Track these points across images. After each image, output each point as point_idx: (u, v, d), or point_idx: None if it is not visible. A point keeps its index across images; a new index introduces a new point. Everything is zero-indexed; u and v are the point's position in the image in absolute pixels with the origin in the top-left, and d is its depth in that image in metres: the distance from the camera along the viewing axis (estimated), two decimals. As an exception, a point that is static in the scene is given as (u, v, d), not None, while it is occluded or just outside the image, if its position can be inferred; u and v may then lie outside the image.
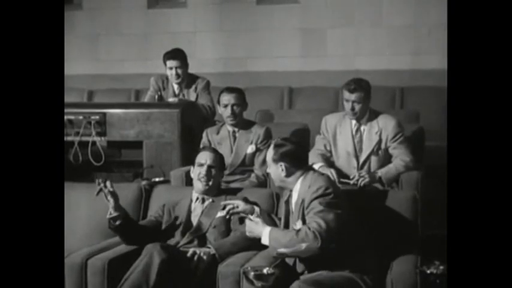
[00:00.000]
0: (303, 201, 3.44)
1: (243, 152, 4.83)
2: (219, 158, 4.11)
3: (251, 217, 3.58)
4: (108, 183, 3.78)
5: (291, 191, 3.60)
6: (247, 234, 3.55)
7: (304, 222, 3.42)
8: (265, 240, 3.41)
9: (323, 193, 3.39)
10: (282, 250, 3.33)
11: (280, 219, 3.75)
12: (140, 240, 3.76)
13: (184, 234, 3.86)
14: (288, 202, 3.61)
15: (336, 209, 3.37)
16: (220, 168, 4.11)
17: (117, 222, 3.79)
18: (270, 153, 3.60)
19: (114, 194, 3.78)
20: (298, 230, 3.32)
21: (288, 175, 3.54)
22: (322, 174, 3.63)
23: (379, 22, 7.59)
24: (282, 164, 3.53)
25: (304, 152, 3.68)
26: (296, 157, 3.57)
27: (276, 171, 3.57)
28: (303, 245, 3.28)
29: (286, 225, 3.59)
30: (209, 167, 4.00)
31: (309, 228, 3.29)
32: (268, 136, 4.85)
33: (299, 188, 3.52)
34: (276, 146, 3.59)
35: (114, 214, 3.78)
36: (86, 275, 3.69)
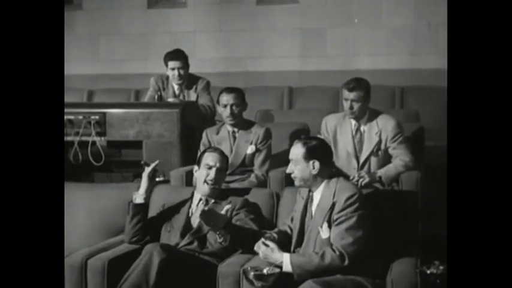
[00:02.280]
0: (333, 205, 3.41)
1: (242, 152, 4.82)
2: (226, 160, 4.09)
3: (266, 242, 3.50)
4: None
5: (309, 191, 3.57)
6: (261, 257, 3.49)
7: (330, 226, 3.41)
8: (287, 268, 3.35)
9: (354, 201, 3.38)
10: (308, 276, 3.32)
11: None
12: (143, 236, 3.76)
13: (184, 235, 3.85)
14: (307, 204, 3.57)
15: (365, 222, 3.38)
16: (225, 169, 4.11)
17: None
18: (300, 150, 3.52)
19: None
20: (323, 254, 3.31)
21: (319, 174, 3.50)
22: (347, 180, 3.62)
23: (378, 22, 7.59)
24: (315, 161, 3.49)
25: (331, 150, 3.68)
26: (327, 155, 3.57)
27: (306, 169, 3.50)
28: (330, 268, 3.30)
29: (302, 228, 3.56)
30: (218, 170, 3.98)
31: (334, 251, 3.30)
32: (267, 136, 4.84)
33: (322, 191, 3.50)
34: (307, 143, 3.53)
35: (140, 201, 3.92)
36: (86, 275, 3.69)
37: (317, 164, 3.48)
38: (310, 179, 3.51)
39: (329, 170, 3.56)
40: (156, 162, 4.06)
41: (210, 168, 3.97)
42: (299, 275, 3.32)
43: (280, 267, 3.34)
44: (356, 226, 3.35)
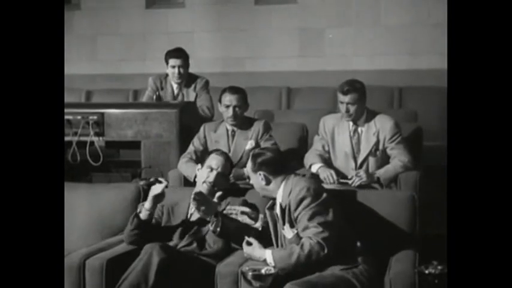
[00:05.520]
0: (287, 206, 3.46)
1: (241, 150, 4.80)
2: (229, 165, 4.11)
3: (249, 240, 3.57)
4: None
5: (274, 198, 3.61)
6: (245, 256, 3.56)
7: (291, 226, 3.45)
8: (270, 263, 3.40)
9: (305, 195, 3.41)
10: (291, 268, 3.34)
11: None
12: (142, 240, 3.74)
13: (183, 236, 3.85)
14: (272, 208, 3.61)
15: (324, 209, 3.41)
16: (228, 174, 4.13)
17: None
18: (249, 164, 3.64)
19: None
20: (302, 244, 3.33)
21: (268, 183, 3.57)
22: (303, 175, 3.65)
23: (377, 22, 7.59)
24: (261, 173, 3.57)
25: (282, 159, 3.72)
26: (274, 165, 3.60)
27: (257, 180, 3.60)
28: (312, 258, 3.32)
29: (275, 232, 3.59)
30: (219, 174, 4.00)
31: (311, 239, 3.32)
32: (267, 129, 4.82)
33: (282, 194, 3.53)
34: (253, 156, 3.64)
35: (144, 217, 3.81)
36: (84, 275, 3.68)
37: (263, 175, 3.57)
38: (263, 189, 3.61)
39: (282, 175, 3.58)
40: (166, 183, 3.96)
41: (211, 170, 3.99)
42: (282, 269, 3.33)
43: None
44: (315, 214, 3.38)
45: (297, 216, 3.42)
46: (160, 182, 3.88)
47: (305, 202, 3.40)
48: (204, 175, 4.00)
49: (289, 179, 3.55)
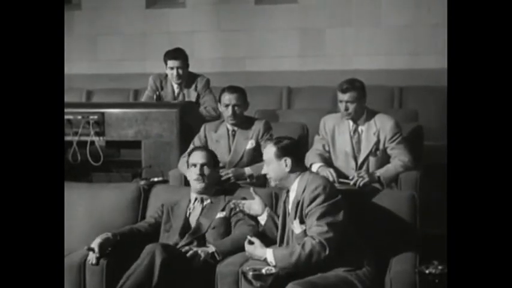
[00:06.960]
0: (300, 201, 3.46)
1: (241, 150, 4.79)
2: (210, 155, 4.13)
3: (250, 238, 3.57)
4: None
5: (288, 191, 3.61)
6: (247, 255, 3.56)
7: (301, 222, 3.44)
8: (271, 261, 3.41)
9: (320, 193, 3.42)
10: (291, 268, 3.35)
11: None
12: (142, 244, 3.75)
13: (183, 235, 3.86)
14: (285, 202, 3.62)
15: (335, 210, 3.41)
16: (213, 165, 4.12)
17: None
18: (271, 149, 3.60)
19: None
20: (304, 243, 3.34)
21: (292, 171, 3.55)
22: (318, 174, 3.65)
23: (377, 22, 7.59)
24: (287, 158, 3.55)
25: (302, 148, 3.70)
26: (299, 152, 3.62)
27: (279, 167, 3.57)
28: (313, 258, 3.33)
29: (283, 226, 3.61)
30: (202, 166, 4.02)
31: (314, 239, 3.32)
32: (268, 128, 4.81)
33: (296, 188, 3.54)
34: (278, 142, 3.61)
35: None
36: (85, 275, 3.69)
37: (289, 161, 3.55)
38: (284, 177, 3.58)
39: (302, 167, 3.61)
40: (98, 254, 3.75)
41: (194, 166, 4.04)
42: (283, 269, 3.34)
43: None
44: (325, 214, 3.38)
45: (308, 213, 3.42)
46: (92, 250, 3.72)
47: (318, 200, 3.41)
48: (191, 174, 4.04)
49: (304, 175, 3.55)
